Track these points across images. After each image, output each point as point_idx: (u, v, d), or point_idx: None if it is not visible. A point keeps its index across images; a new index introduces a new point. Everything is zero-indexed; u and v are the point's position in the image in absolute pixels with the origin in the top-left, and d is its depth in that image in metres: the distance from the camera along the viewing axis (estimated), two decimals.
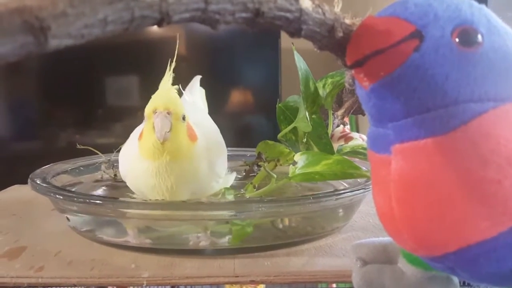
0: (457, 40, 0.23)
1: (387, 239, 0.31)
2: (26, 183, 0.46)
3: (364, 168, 0.44)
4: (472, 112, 0.23)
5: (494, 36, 0.24)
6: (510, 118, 0.23)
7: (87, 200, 0.41)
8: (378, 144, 0.26)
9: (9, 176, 0.69)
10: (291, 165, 0.44)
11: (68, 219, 0.45)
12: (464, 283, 0.31)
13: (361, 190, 0.42)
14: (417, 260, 0.28)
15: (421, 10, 0.23)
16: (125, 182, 0.47)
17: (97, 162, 0.59)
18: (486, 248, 0.22)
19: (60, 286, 0.36)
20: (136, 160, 0.43)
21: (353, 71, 0.26)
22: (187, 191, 0.43)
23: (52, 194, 0.42)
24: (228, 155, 0.49)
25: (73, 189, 0.50)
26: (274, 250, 0.41)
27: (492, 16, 0.24)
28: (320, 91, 0.49)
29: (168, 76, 0.44)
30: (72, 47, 0.17)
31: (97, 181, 0.57)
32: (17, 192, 0.65)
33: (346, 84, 0.28)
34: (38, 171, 0.50)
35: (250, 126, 1.45)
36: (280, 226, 0.44)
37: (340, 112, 0.49)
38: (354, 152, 0.50)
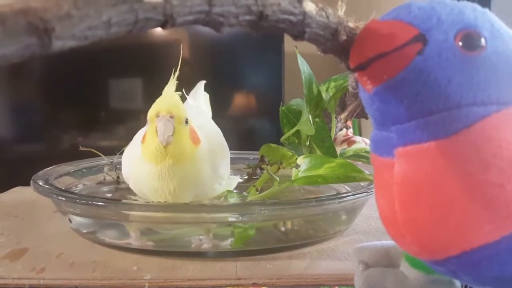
0: (460, 44, 0.23)
1: (389, 242, 0.30)
2: (29, 185, 0.46)
3: (367, 171, 0.43)
4: (475, 115, 0.23)
5: (498, 40, 0.24)
6: None
7: (90, 202, 0.41)
8: (381, 147, 0.26)
9: (12, 178, 0.69)
10: (294, 168, 0.44)
11: (70, 221, 0.45)
12: (466, 286, 0.31)
13: (364, 194, 0.42)
14: (419, 264, 0.28)
15: (425, 14, 0.24)
16: (127, 184, 0.47)
17: (99, 164, 0.59)
18: (488, 252, 0.22)
19: None
20: (139, 162, 0.43)
21: (356, 74, 0.26)
22: (190, 193, 0.43)
23: (54, 196, 0.42)
24: (231, 158, 0.49)
25: (75, 191, 0.50)
26: (276, 253, 0.41)
27: (495, 20, 0.24)
28: (323, 95, 0.49)
29: (172, 82, 0.44)
30: (76, 49, 0.17)
31: (99, 183, 0.58)
32: (19, 193, 0.65)
33: (349, 88, 0.28)
34: (40, 172, 0.50)
35: (253, 130, 1.46)
36: (283, 229, 0.44)
37: (343, 116, 0.49)
38: (357, 156, 0.50)
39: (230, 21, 0.21)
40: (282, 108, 0.52)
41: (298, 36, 0.25)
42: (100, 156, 0.59)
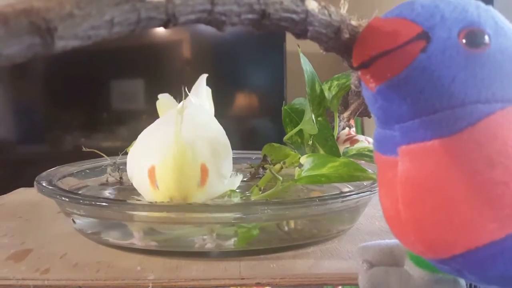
0: (463, 41, 0.23)
1: (393, 241, 0.30)
2: (32, 186, 0.46)
3: (370, 170, 0.43)
4: (479, 113, 0.22)
5: (502, 37, 0.24)
6: None
7: (93, 203, 0.41)
8: (384, 146, 0.26)
9: (16, 180, 0.69)
10: (297, 168, 0.44)
11: (74, 221, 0.45)
12: (471, 285, 0.31)
13: (367, 193, 0.42)
14: (424, 263, 0.28)
15: (428, 11, 0.23)
16: (131, 185, 0.47)
17: (102, 165, 0.59)
18: (493, 250, 0.22)
19: None
20: (147, 190, 0.43)
21: (359, 73, 0.26)
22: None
23: (58, 197, 0.42)
24: (233, 157, 0.49)
25: (79, 192, 0.50)
26: (279, 252, 0.41)
27: (499, 17, 0.24)
28: (326, 93, 0.49)
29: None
30: (78, 50, 0.17)
31: (103, 184, 0.58)
32: (23, 195, 0.65)
33: (352, 86, 0.28)
34: (44, 173, 0.50)
35: (256, 129, 1.46)
36: (286, 228, 0.44)
37: (346, 114, 0.49)
38: (360, 155, 0.50)
39: (232, 20, 0.21)
40: (285, 107, 0.52)
41: (301, 34, 0.25)
42: (103, 156, 0.59)
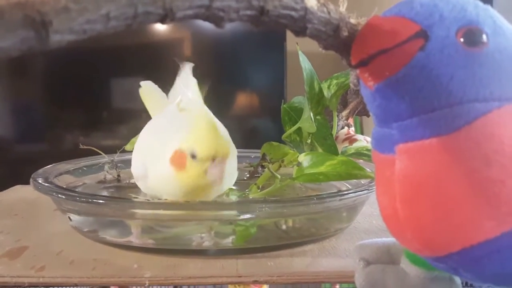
0: (461, 40, 0.23)
1: (390, 239, 0.30)
2: (29, 184, 0.46)
3: (368, 169, 0.43)
4: (476, 112, 0.22)
5: (500, 36, 0.24)
6: None
7: (90, 200, 0.40)
8: (382, 144, 0.26)
9: (14, 178, 0.69)
10: (295, 166, 0.44)
11: (70, 219, 0.45)
12: (466, 283, 0.31)
13: (365, 191, 0.42)
14: (420, 261, 0.28)
15: (427, 10, 0.23)
16: (128, 183, 0.47)
17: (100, 163, 0.59)
18: (489, 248, 0.22)
19: (61, 286, 0.36)
20: (168, 185, 0.42)
21: (358, 71, 0.26)
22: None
23: (54, 194, 0.42)
24: None
25: (75, 189, 0.50)
26: (277, 250, 0.41)
27: (498, 17, 0.24)
28: (325, 92, 0.49)
29: (207, 115, 0.43)
30: (77, 48, 0.17)
31: (100, 181, 0.57)
32: (19, 192, 0.65)
33: (351, 85, 0.28)
34: (40, 170, 0.50)
35: (255, 128, 1.46)
36: (284, 227, 0.44)
37: (344, 113, 0.49)
38: (359, 154, 0.50)
39: (231, 16, 0.21)
40: (284, 105, 0.52)
41: (300, 32, 0.24)
42: (100, 154, 0.59)
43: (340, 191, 0.46)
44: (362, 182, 0.47)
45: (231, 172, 0.46)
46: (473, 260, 0.23)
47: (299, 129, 0.49)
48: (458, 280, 0.29)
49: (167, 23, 0.19)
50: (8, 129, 1.37)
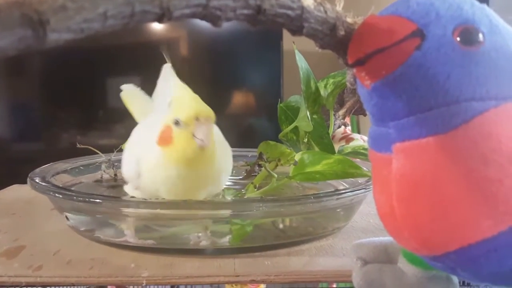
0: (458, 39, 0.23)
1: (387, 238, 0.30)
2: (26, 183, 0.46)
3: (365, 168, 0.43)
4: (473, 110, 0.22)
5: (496, 35, 0.24)
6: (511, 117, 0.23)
7: (87, 199, 0.40)
8: (379, 143, 0.26)
9: (11, 177, 0.69)
10: (292, 165, 0.44)
11: (67, 218, 0.45)
12: (463, 282, 0.31)
13: (362, 190, 0.42)
14: (417, 260, 0.28)
15: (423, 9, 0.23)
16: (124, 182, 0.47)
17: (97, 162, 0.59)
18: (486, 247, 0.22)
19: (58, 286, 0.36)
20: (159, 167, 0.42)
21: (354, 70, 0.26)
22: (206, 192, 0.44)
23: (51, 193, 0.42)
24: None
25: (72, 188, 0.50)
26: (274, 250, 0.41)
27: (494, 16, 0.24)
28: (322, 91, 0.49)
29: (179, 81, 0.43)
30: (74, 48, 0.17)
31: (97, 180, 0.57)
32: (16, 191, 0.65)
33: (348, 84, 0.28)
34: (37, 170, 0.50)
35: (252, 127, 1.46)
36: (281, 226, 0.44)
37: (341, 112, 0.49)
38: (355, 153, 0.50)
39: (228, 15, 0.21)
40: (280, 104, 0.52)
41: (296, 31, 0.25)
42: (97, 153, 0.59)
43: (337, 190, 0.46)
44: (359, 181, 0.47)
45: (228, 170, 0.46)
46: (471, 259, 0.23)
47: (296, 128, 0.49)
48: (455, 279, 0.29)
49: (164, 22, 0.19)
50: (5, 128, 1.37)
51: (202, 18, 0.21)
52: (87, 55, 1.15)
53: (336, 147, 0.50)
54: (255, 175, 0.54)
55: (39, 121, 1.38)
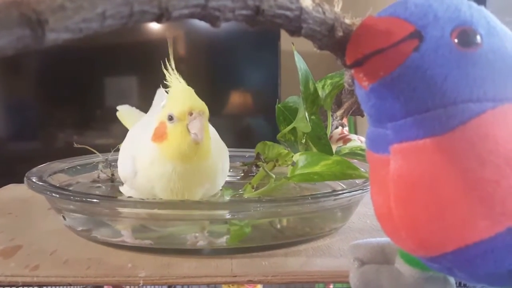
0: (456, 40, 0.23)
1: (384, 239, 0.30)
2: (23, 182, 0.46)
3: (362, 169, 0.43)
4: (470, 112, 0.22)
5: (493, 37, 0.24)
6: (508, 119, 0.23)
7: (84, 199, 0.40)
8: (377, 144, 0.26)
9: (8, 176, 0.69)
10: (289, 166, 0.44)
11: (64, 218, 0.45)
12: (460, 283, 0.31)
13: (359, 191, 0.42)
14: (414, 261, 0.28)
15: (421, 10, 0.24)
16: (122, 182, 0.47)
17: (94, 162, 0.59)
18: (483, 248, 0.22)
19: (55, 285, 0.36)
20: (155, 164, 0.42)
21: (352, 71, 0.26)
22: (204, 190, 0.44)
23: (48, 193, 0.42)
24: None
25: (69, 188, 0.50)
26: (272, 250, 0.41)
27: (491, 18, 0.25)
28: (320, 92, 0.49)
29: (177, 77, 0.43)
30: (71, 47, 0.17)
31: (94, 180, 0.57)
32: (13, 191, 0.64)
33: (346, 84, 0.28)
34: (34, 169, 0.50)
35: (250, 128, 1.46)
36: (278, 226, 0.44)
37: (339, 113, 0.49)
38: (353, 154, 0.50)
39: (226, 16, 0.21)
40: (278, 105, 0.52)
41: (295, 31, 0.25)
42: (94, 153, 0.59)
43: (334, 191, 0.46)
44: (357, 182, 0.47)
45: (225, 167, 0.46)
46: (468, 260, 0.23)
47: (294, 128, 0.49)
48: (452, 280, 0.29)
49: (163, 22, 0.19)
50: (2, 127, 1.37)
51: (201, 18, 0.21)
52: (84, 54, 1.15)
53: (334, 147, 0.50)
54: (253, 176, 0.54)
55: (36, 121, 1.38)
